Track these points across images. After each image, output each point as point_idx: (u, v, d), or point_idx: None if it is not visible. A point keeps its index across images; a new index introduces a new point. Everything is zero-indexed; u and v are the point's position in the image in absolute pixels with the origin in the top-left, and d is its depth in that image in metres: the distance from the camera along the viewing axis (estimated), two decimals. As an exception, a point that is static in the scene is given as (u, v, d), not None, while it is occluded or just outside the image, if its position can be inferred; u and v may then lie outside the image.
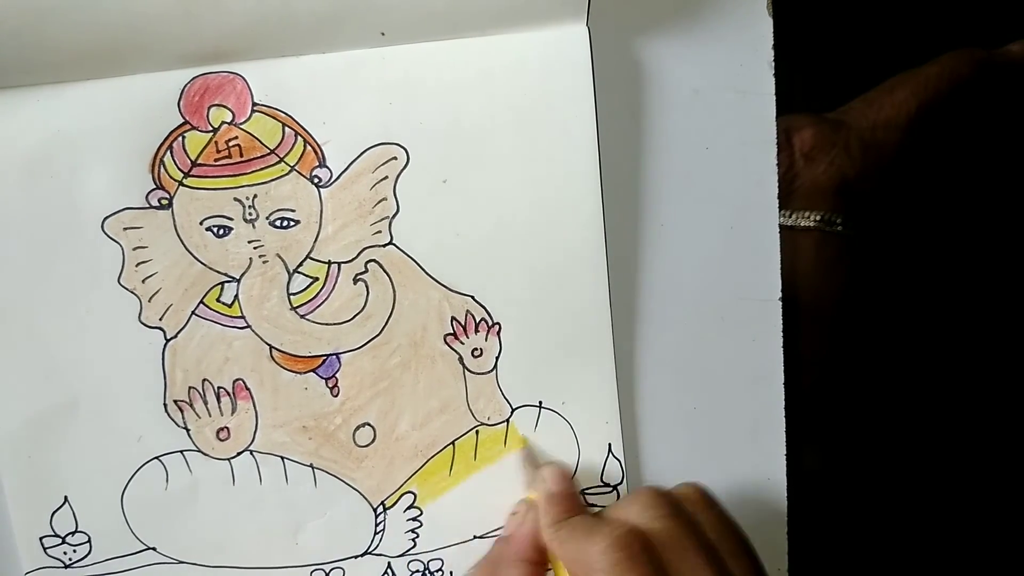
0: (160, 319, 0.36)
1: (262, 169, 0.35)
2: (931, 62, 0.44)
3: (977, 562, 0.49)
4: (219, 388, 0.36)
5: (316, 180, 0.35)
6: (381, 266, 0.36)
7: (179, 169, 0.35)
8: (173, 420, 0.36)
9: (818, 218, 0.41)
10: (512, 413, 0.37)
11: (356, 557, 0.38)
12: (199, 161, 0.35)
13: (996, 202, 0.47)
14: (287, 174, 0.35)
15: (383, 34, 0.34)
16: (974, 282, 0.47)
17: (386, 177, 0.35)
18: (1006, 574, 0.50)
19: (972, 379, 0.48)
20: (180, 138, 0.35)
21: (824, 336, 0.42)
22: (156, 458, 0.37)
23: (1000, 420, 0.49)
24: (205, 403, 0.36)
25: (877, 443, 0.46)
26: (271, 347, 0.36)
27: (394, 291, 0.36)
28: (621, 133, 0.36)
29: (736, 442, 0.38)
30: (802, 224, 0.41)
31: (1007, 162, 0.46)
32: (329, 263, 0.36)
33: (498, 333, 0.37)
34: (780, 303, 0.38)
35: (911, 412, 0.47)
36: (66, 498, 0.36)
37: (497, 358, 0.37)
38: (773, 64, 0.36)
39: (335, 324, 0.36)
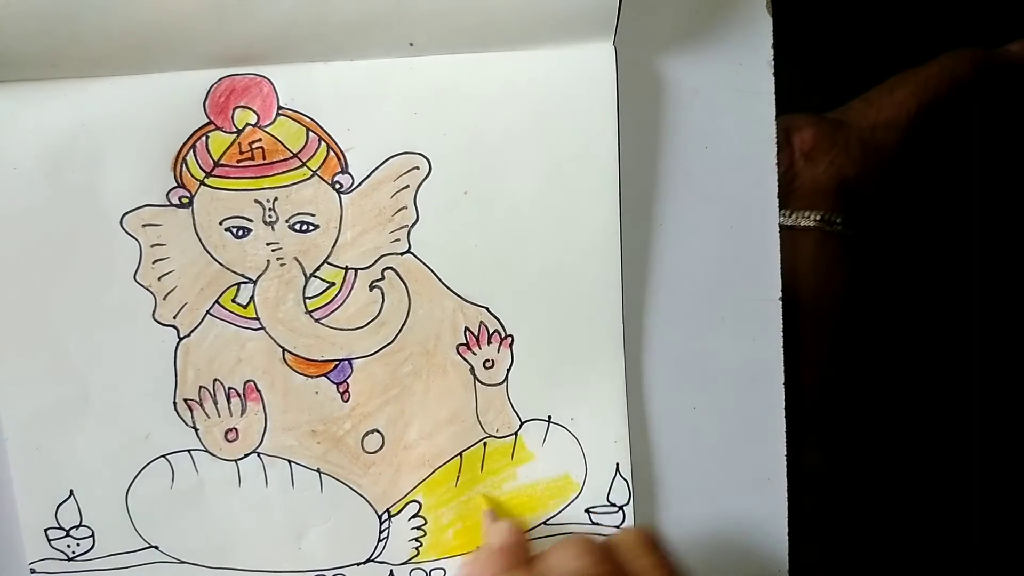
0: (174, 317, 0.36)
1: (284, 172, 0.35)
2: (931, 62, 0.44)
3: (977, 562, 0.49)
4: (230, 388, 0.37)
5: (337, 186, 0.36)
6: (398, 274, 0.36)
7: (201, 169, 0.35)
8: (182, 419, 0.36)
9: (818, 218, 0.41)
10: (521, 427, 0.38)
11: (359, 564, 0.38)
12: (221, 161, 0.35)
13: (996, 202, 0.47)
14: (309, 178, 0.35)
15: (412, 45, 0.34)
16: (974, 282, 0.47)
17: (407, 186, 0.36)
18: (1006, 574, 0.50)
19: (973, 379, 0.48)
20: (204, 138, 0.35)
21: (824, 336, 0.42)
22: (163, 456, 0.37)
23: (1001, 420, 0.49)
24: (215, 403, 0.36)
25: (878, 443, 0.46)
26: (284, 350, 0.36)
27: (409, 299, 0.36)
28: (621, 133, 0.36)
29: (736, 442, 0.38)
30: (802, 224, 0.41)
31: (1007, 162, 0.46)
32: (346, 269, 0.36)
33: (511, 345, 0.37)
34: (780, 303, 0.38)
35: (912, 412, 0.47)
36: (72, 491, 0.36)
37: (508, 370, 0.37)
38: (773, 64, 0.36)
39: (349, 330, 0.36)
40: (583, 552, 0.32)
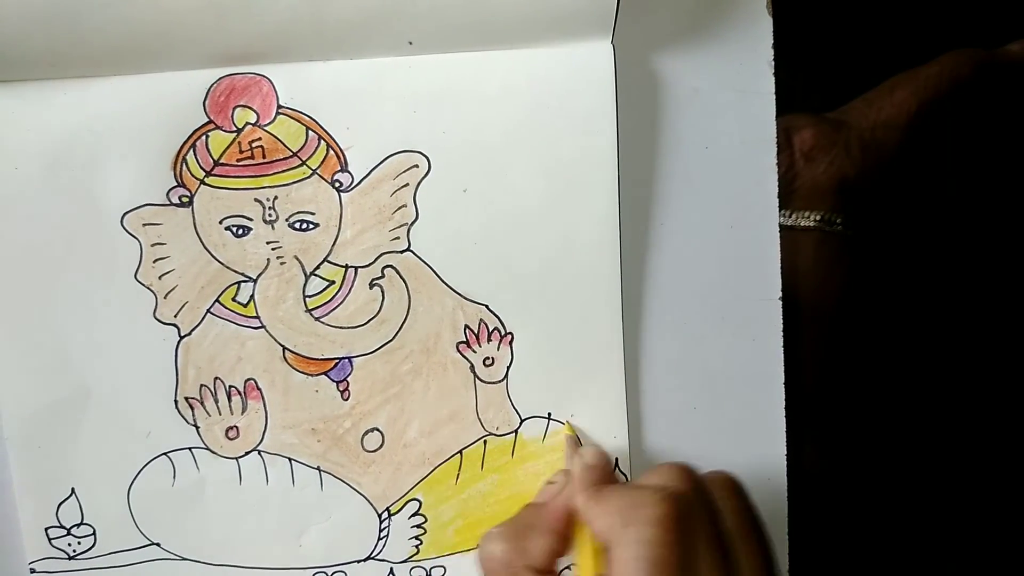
0: (175, 316, 0.36)
1: (284, 171, 0.35)
2: (931, 62, 0.44)
3: (977, 562, 0.49)
4: (230, 387, 0.37)
5: (337, 184, 0.36)
6: (398, 272, 0.36)
7: (201, 168, 0.35)
8: (183, 417, 0.37)
9: (818, 218, 0.41)
10: (521, 424, 0.38)
11: (359, 562, 0.38)
12: (221, 161, 0.35)
13: (996, 202, 0.47)
14: (308, 177, 0.36)
15: (411, 43, 0.34)
16: (974, 282, 0.47)
17: (407, 184, 0.36)
18: (1006, 574, 0.50)
19: (972, 378, 0.48)
20: (204, 137, 0.35)
21: (824, 336, 0.42)
22: (164, 454, 0.37)
23: (1000, 419, 0.49)
24: (216, 401, 0.37)
25: (878, 443, 0.46)
26: (284, 348, 0.36)
27: (409, 297, 0.37)
28: (621, 132, 0.36)
29: (736, 442, 0.38)
30: (802, 224, 0.41)
31: (1007, 162, 0.46)
32: (346, 267, 0.36)
33: (510, 343, 0.37)
34: (780, 303, 0.38)
35: (911, 412, 0.47)
36: (73, 490, 0.36)
37: (508, 368, 0.37)
38: (773, 64, 0.36)
39: (349, 328, 0.37)
40: (682, 477, 0.32)
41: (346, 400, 0.37)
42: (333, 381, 0.37)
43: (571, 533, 0.33)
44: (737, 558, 0.31)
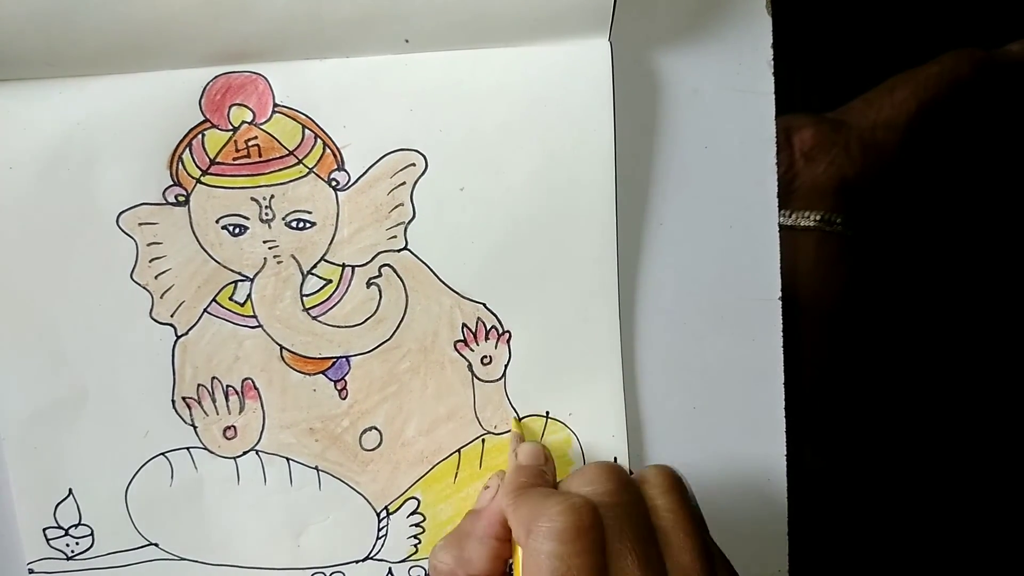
0: (172, 315, 0.36)
1: (280, 170, 0.35)
2: (931, 62, 0.44)
3: (977, 562, 0.49)
4: (228, 386, 0.37)
5: (334, 183, 0.36)
6: (395, 271, 0.36)
7: (197, 167, 0.35)
8: (180, 417, 0.36)
9: (818, 218, 0.41)
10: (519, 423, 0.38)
11: (358, 561, 0.38)
12: (217, 159, 0.35)
13: (996, 202, 0.47)
14: (305, 176, 0.35)
15: (407, 41, 0.34)
16: (974, 282, 0.47)
17: (404, 183, 0.36)
18: (1006, 574, 0.50)
19: (972, 378, 0.48)
20: (200, 136, 0.35)
21: (824, 336, 0.42)
22: (162, 454, 0.37)
23: (1000, 419, 0.49)
24: (213, 401, 0.37)
25: (877, 442, 0.46)
26: (282, 347, 0.36)
27: (407, 296, 0.36)
28: (620, 132, 0.36)
29: (736, 442, 0.38)
30: (802, 224, 0.41)
31: (1007, 162, 0.46)
32: (343, 266, 0.36)
33: (508, 341, 0.37)
34: (780, 303, 0.38)
35: (911, 411, 0.47)
36: (71, 490, 0.36)
37: (506, 366, 0.37)
38: (773, 64, 0.36)
39: (347, 327, 0.36)
40: (606, 476, 0.32)
41: (344, 399, 0.37)
42: (331, 380, 0.37)
43: (511, 536, 0.33)
44: (671, 555, 0.30)
